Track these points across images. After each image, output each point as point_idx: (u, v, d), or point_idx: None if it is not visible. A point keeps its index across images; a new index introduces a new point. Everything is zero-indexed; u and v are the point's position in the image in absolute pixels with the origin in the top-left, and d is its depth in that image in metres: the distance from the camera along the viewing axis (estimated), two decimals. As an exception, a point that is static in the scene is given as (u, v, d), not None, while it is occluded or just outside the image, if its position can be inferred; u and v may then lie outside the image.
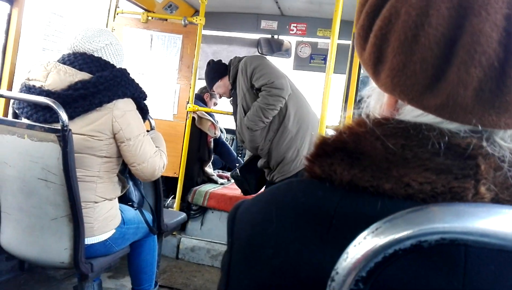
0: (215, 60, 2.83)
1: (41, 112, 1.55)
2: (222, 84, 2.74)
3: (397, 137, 0.39)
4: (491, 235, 0.26)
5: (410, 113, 0.41)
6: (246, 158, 3.02)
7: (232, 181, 3.14)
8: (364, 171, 0.39)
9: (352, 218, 0.38)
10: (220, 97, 2.85)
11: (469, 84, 0.35)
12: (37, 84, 1.56)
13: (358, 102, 0.49)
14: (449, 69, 0.35)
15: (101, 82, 1.55)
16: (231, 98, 2.77)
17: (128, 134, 1.62)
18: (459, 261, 0.34)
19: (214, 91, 2.82)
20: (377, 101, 0.46)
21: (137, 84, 1.72)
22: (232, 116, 2.85)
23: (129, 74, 1.70)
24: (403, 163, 0.38)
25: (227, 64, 2.73)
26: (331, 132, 0.45)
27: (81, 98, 1.53)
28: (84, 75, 1.57)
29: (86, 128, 1.56)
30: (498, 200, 0.36)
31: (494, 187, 0.36)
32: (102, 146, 1.60)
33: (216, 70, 2.75)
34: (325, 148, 0.43)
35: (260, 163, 2.70)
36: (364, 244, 0.28)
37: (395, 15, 0.38)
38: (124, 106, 1.63)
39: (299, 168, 2.51)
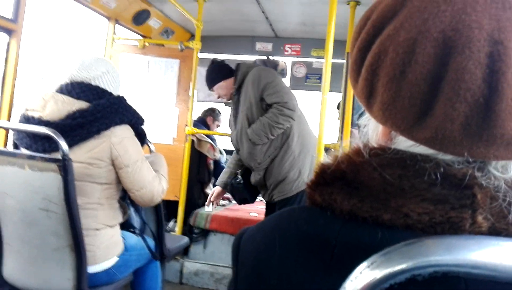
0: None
1: (40, 142, 1.56)
2: (225, 86, 2.62)
3: (394, 168, 0.40)
4: (482, 266, 0.26)
5: (404, 143, 0.42)
6: (229, 164, 2.80)
7: (234, 202, 3.12)
8: (363, 201, 0.40)
9: (353, 247, 0.38)
10: (218, 97, 2.73)
11: (455, 119, 0.36)
12: (36, 115, 1.57)
13: (356, 125, 0.51)
14: (436, 104, 0.37)
15: (98, 110, 1.57)
16: (230, 101, 2.68)
17: (126, 160, 1.63)
18: None
19: (213, 90, 2.68)
20: (373, 130, 0.47)
21: (135, 110, 1.73)
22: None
23: (126, 100, 1.72)
24: (400, 194, 0.38)
25: (233, 67, 2.64)
26: (329, 153, 0.46)
27: (79, 127, 1.54)
28: (82, 104, 1.59)
29: (85, 156, 1.57)
30: (495, 229, 0.36)
31: (491, 216, 0.36)
32: (101, 173, 1.61)
33: (219, 71, 2.64)
34: (325, 177, 0.44)
35: (254, 179, 2.58)
36: (360, 279, 0.28)
37: (384, 52, 0.40)
38: (122, 133, 1.64)
39: (301, 187, 2.48)
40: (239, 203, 2.80)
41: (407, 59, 0.38)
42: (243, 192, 2.67)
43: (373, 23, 0.42)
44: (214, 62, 2.70)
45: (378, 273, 0.28)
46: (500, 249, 0.27)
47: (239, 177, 2.67)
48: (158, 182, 1.75)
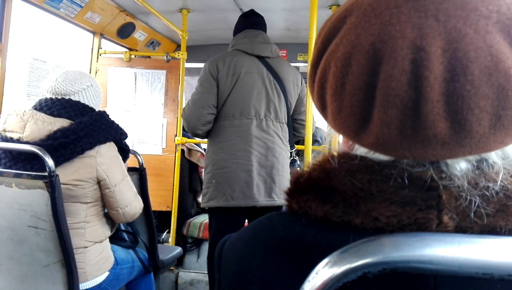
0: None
1: (21, 164, 1.52)
2: None
3: (363, 173, 0.42)
4: (427, 261, 0.28)
5: (362, 149, 0.44)
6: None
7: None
8: (335, 207, 0.41)
9: (328, 251, 0.39)
10: None
11: (390, 124, 0.38)
12: (15, 136, 1.52)
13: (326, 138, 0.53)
14: (373, 111, 0.39)
15: (81, 128, 1.53)
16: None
17: (113, 181, 1.60)
18: (429, 288, 0.37)
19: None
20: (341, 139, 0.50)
21: (117, 125, 1.70)
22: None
23: (108, 116, 1.68)
24: (370, 198, 0.40)
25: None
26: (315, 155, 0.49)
27: (62, 147, 1.50)
28: (63, 122, 1.55)
29: (69, 177, 1.53)
30: (461, 228, 0.38)
31: (456, 216, 0.38)
32: (86, 193, 1.58)
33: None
34: (300, 185, 0.46)
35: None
36: (316, 279, 0.30)
37: (328, 67, 0.43)
38: (107, 152, 1.60)
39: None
40: None
41: (345, 71, 0.40)
42: None
43: (321, 40, 0.45)
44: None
45: (331, 272, 0.29)
46: (443, 244, 0.29)
47: None
48: (138, 199, 1.74)
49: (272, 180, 2.10)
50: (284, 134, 2.21)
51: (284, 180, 2.14)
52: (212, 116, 2.14)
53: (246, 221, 2.26)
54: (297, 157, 2.38)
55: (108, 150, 1.62)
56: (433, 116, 0.36)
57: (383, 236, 0.30)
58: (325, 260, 0.30)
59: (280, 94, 2.18)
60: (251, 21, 2.31)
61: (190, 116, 2.13)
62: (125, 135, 1.73)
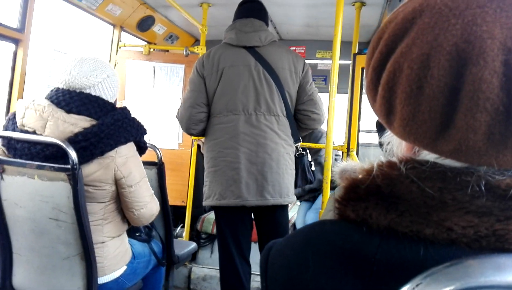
0: None
1: (39, 161, 1.48)
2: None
3: (434, 181, 0.39)
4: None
5: (429, 156, 0.42)
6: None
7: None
8: (402, 216, 0.39)
9: (394, 265, 0.37)
10: None
11: (478, 129, 0.36)
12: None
13: (379, 145, 0.50)
14: (457, 116, 0.37)
15: (102, 130, 1.48)
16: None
17: (129, 181, 1.57)
18: None
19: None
20: (398, 146, 0.47)
21: (138, 122, 1.64)
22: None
23: (130, 113, 1.62)
24: (442, 207, 0.38)
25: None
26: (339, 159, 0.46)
27: (82, 149, 1.46)
28: (85, 123, 1.49)
29: (87, 179, 1.50)
30: None
31: None
32: (104, 194, 1.57)
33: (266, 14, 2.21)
34: (358, 192, 0.43)
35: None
36: (405, 301, 0.27)
37: (399, 70, 0.40)
38: (127, 152, 1.57)
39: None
40: None
41: (423, 74, 0.38)
42: None
43: (385, 42, 0.43)
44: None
45: (425, 295, 0.26)
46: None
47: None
48: (155, 200, 1.72)
49: (263, 178, 1.96)
50: (281, 128, 2.04)
51: (280, 177, 1.99)
52: (204, 115, 2.06)
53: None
54: (305, 152, 2.25)
55: (128, 150, 1.58)
56: None
57: (473, 257, 0.27)
58: (417, 280, 0.28)
59: (271, 85, 2.01)
60: (244, 10, 2.16)
61: (182, 116, 2.09)
62: (144, 132, 1.68)
